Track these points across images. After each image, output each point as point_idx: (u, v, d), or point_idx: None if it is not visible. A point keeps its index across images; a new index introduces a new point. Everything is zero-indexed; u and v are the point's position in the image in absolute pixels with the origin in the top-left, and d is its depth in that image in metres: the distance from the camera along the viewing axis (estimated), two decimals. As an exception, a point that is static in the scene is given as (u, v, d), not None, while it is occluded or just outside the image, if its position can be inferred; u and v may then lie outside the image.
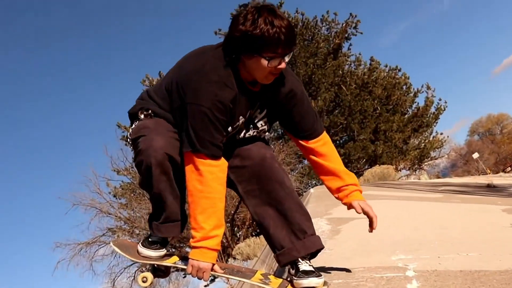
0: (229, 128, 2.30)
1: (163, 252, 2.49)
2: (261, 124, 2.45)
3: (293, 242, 2.39)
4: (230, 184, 2.49)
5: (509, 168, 47.19)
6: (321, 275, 2.35)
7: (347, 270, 2.64)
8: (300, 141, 2.50)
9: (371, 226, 2.47)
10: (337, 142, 24.49)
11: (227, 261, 16.03)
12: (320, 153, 2.48)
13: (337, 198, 2.53)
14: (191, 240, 2.27)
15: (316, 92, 23.41)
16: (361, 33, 24.93)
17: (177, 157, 2.29)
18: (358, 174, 21.63)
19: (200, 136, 2.16)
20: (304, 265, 2.37)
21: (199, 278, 2.31)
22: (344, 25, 24.72)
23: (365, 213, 2.45)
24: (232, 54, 2.16)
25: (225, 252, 17.93)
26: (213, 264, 2.30)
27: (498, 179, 11.67)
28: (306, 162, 23.86)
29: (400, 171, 24.87)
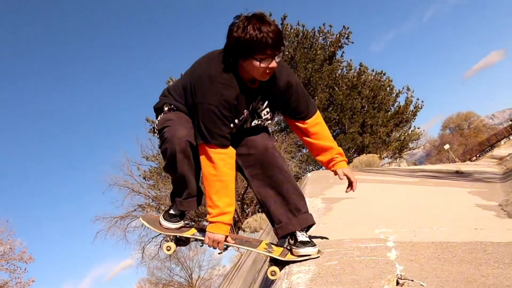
0: (236, 121, 2.30)
1: (180, 224, 2.51)
2: (264, 114, 2.43)
3: (289, 218, 2.40)
4: (238, 168, 2.50)
5: (474, 158, 46.93)
6: (315, 245, 2.36)
7: (338, 241, 2.66)
8: (296, 123, 2.49)
9: (350, 187, 2.51)
10: (331, 134, 24.42)
11: (237, 233, 16.08)
12: (312, 133, 2.48)
13: (328, 168, 2.56)
14: (208, 216, 2.30)
15: (314, 92, 23.29)
16: (352, 42, 24.66)
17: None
18: (348, 162, 21.55)
19: (210, 130, 2.19)
20: (301, 236, 2.37)
21: (214, 248, 2.34)
22: (338, 35, 24.47)
23: (347, 178, 2.49)
24: (231, 59, 2.16)
25: (236, 225, 17.98)
26: (226, 236, 2.32)
27: (465, 167, 11.60)
28: (304, 150, 23.86)
29: (383, 159, 24.78)
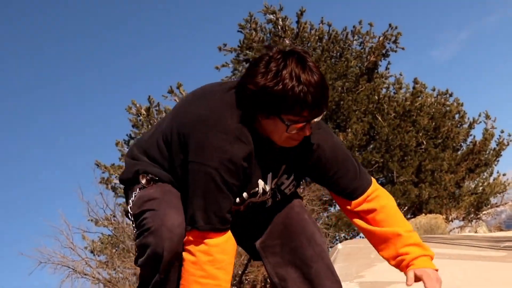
0: (244, 194, 2.20)
1: None
2: (289, 189, 2.35)
3: None
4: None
5: None
6: None
7: None
8: (339, 202, 2.39)
9: None
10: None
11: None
12: (365, 216, 2.33)
13: (401, 270, 2.31)
14: None
15: (345, 122, 23.42)
16: (403, 48, 24.90)
17: None
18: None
19: (203, 208, 2.03)
20: None
21: None
22: (381, 38, 24.83)
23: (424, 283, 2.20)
24: (245, 108, 2.04)
25: (230, 323, 17.76)
26: None
27: None
28: (332, 210, 23.81)
29: (452, 221, 24.72)
